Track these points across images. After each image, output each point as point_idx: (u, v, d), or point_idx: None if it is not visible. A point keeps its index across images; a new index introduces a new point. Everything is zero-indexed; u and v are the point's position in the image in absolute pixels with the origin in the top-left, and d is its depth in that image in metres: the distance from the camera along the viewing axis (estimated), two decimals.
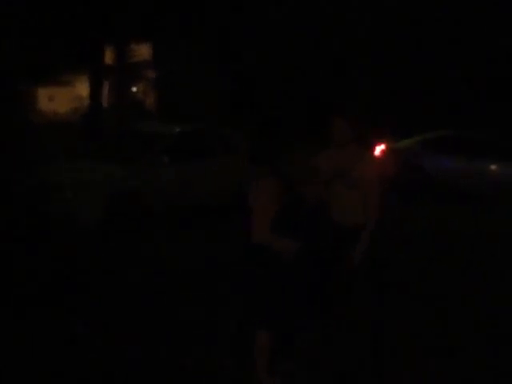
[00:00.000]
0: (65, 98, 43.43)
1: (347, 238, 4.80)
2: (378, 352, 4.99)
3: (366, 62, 21.90)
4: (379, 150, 13.96)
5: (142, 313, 5.99)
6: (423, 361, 5.12)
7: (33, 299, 6.27)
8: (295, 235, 4.25)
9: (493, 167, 13.09)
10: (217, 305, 6.10)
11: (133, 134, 11.42)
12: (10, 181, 9.66)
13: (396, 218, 10.47)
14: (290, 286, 4.33)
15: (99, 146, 11.84)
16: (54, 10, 20.95)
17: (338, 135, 4.86)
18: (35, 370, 4.80)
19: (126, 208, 9.05)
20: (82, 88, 37.20)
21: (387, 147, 14.00)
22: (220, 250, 7.98)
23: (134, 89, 37.09)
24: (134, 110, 29.19)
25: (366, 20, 21.92)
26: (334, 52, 22.23)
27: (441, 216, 11.15)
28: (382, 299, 5.14)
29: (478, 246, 9.01)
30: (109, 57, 26.07)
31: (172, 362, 4.97)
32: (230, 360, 4.85)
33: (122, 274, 7.31)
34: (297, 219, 4.29)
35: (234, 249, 5.52)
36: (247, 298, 4.38)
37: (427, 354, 5.24)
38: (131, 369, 4.85)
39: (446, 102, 20.73)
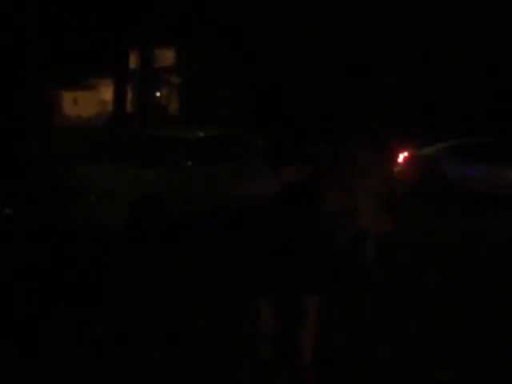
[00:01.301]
0: (89, 102, 43.86)
1: (361, 239, 4.93)
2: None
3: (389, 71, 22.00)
4: (402, 157, 13.94)
5: (154, 316, 6.03)
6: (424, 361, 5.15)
7: (55, 301, 6.37)
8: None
9: None
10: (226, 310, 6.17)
11: (156, 139, 11.52)
12: (34, 184, 9.77)
13: (419, 225, 10.49)
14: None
15: (123, 150, 11.92)
16: (80, 15, 21.19)
17: (351, 145, 4.94)
18: (49, 368, 4.88)
19: (149, 212, 9.11)
20: (107, 92, 37.53)
21: (410, 154, 13.97)
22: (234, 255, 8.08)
23: (158, 94, 37.36)
24: (157, 114, 29.37)
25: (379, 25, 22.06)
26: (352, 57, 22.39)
27: (465, 224, 11.11)
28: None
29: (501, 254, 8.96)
30: (133, 61, 26.27)
31: (178, 363, 5.02)
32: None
33: (141, 278, 7.39)
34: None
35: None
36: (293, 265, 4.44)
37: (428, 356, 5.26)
38: (139, 369, 4.91)
39: (460, 109, 20.76)
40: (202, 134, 10.74)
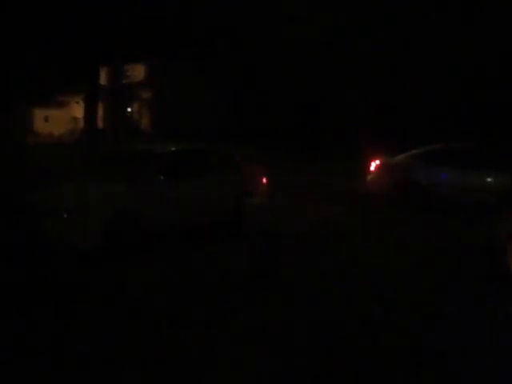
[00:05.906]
0: (61, 120, 43.57)
1: None
2: None
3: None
4: (374, 165, 14.01)
5: (137, 337, 5.92)
6: None
7: (31, 323, 6.26)
8: None
9: (489, 179, 13.07)
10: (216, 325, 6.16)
11: (129, 154, 11.45)
12: (7, 202, 9.64)
13: (391, 231, 10.57)
14: None
15: (95, 166, 11.83)
16: (51, 33, 21.09)
17: None
18: None
19: (124, 227, 9.03)
20: (78, 109, 37.30)
21: (382, 162, 14.05)
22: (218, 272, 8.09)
23: (129, 109, 37.26)
24: (129, 129, 29.30)
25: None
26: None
27: (437, 228, 11.22)
28: None
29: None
30: (103, 78, 26.17)
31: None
32: None
33: (118, 297, 7.32)
34: None
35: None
36: None
37: None
38: None
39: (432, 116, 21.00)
40: (174, 148, 10.69)
